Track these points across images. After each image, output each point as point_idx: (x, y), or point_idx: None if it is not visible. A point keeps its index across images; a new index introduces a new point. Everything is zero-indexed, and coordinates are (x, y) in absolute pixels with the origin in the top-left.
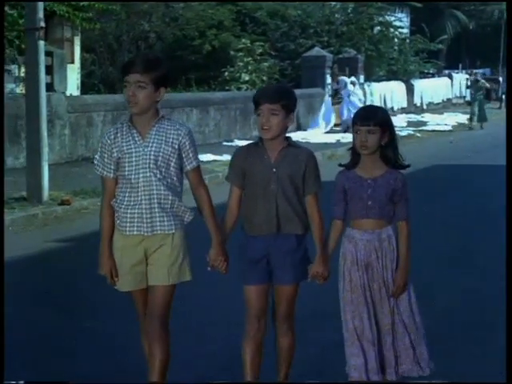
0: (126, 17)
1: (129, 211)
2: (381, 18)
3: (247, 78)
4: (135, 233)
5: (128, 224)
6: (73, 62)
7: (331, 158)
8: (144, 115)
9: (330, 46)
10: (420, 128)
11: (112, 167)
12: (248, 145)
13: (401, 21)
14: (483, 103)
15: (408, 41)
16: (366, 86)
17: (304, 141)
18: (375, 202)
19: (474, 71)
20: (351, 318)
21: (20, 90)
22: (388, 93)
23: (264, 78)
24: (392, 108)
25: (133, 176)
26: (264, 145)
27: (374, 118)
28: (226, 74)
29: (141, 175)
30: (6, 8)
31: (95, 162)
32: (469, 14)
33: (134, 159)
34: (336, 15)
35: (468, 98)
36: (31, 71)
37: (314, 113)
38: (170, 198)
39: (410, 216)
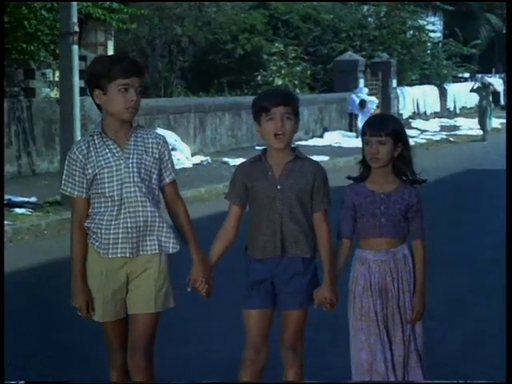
0: (158, 21)
1: (111, 231)
2: (413, 22)
3: (280, 82)
4: (119, 255)
5: (111, 246)
6: None
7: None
8: (125, 123)
9: (362, 50)
10: (453, 132)
11: (84, 185)
12: (250, 160)
13: (433, 25)
14: (488, 110)
15: (441, 45)
16: (398, 91)
17: (337, 145)
18: (389, 219)
19: (479, 75)
20: (359, 350)
21: (54, 94)
22: (421, 97)
23: (296, 82)
24: (425, 112)
25: (115, 192)
26: (267, 159)
27: (386, 127)
28: (259, 78)
29: (124, 191)
30: (44, 12)
31: (62, 181)
32: (503, 18)
33: (114, 173)
34: (369, 19)
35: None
36: (65, 76)
37: (346, 118)
38: (157, 215)
39: (426, 234)
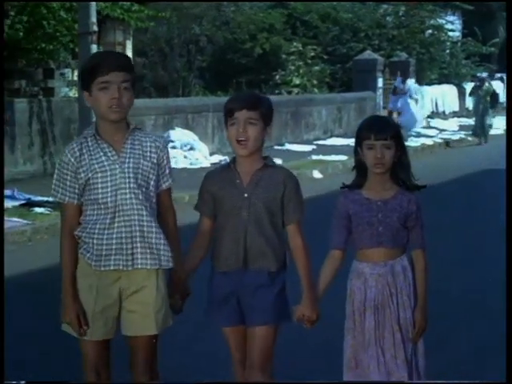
0: (177, 21)
1: (104, 242)
2: (432, 21)
3: (298, 82)
4: (112, 268)
5: (103, 257)
6: None
7: None
8: (119, 124)
9: (381, 50)
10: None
11: (76, 191)
12: (219, 167)
13: (452, 24)
14: (486, 113)
15: (460, 44)
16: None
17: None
18: (387, 228)
19: (478, 75)
20: (348, 369)
21: (73, 93)
22: (439, 96)
23: (314, 81)
24: (443, 112)
25: (109, 199)
26: (236, 167)
27: (391, 130)
28: (277, 77)
29: (119, 197)
30: (62, 12)
31: (53, 186)
32: None
33: (109, 179)
34: (387, 18)
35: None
36: None
37: (365, 117)
38: (154, 225)
39: (426, 244)
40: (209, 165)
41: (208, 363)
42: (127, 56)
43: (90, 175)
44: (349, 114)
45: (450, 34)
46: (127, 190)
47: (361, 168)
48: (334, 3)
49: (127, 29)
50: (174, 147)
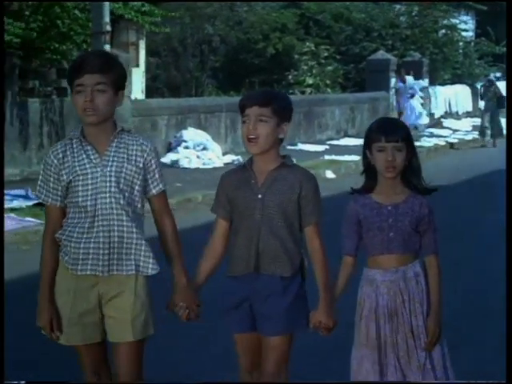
0: (190, 20)
1: (82, 246)
2: (446, 21)
3: (311, 82)
4: (88, 272)
5: (80, 262)
6: (138, 66)
7: None
8: (101, 127)
9: (394, 50)
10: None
11: (59, 193)
12: (236, 167)
13: (466, 24)
14: (496, 113)
15: (473, 44)
16: (430, 90)
17: None
18: (398, 233)
19: (487, 76)
20: (365, 379)
21: None
22: (453, 97)
23: (328, 81)
24: (457, 112)
25: (88, 203)
26: (252, 166)
27: (402, 132)
28: (290, 77)
29: (98, 201)
30: (77, 12)
31: (38, 186)
32: None
33: (89, 182)
34: (401, 18)
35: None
36: None
37: (378, 117)
38: (135, 230)
39: (439, 249)
40: (222, 165)
41: (218, 367)
42: (107, 57)
43: (71, 178)
44: (362, 114)
45: (464, 33)
46: (107, 195)
47: (370, 172)
48: (347, 3)
49: (140, 29)
50: (186, 147)
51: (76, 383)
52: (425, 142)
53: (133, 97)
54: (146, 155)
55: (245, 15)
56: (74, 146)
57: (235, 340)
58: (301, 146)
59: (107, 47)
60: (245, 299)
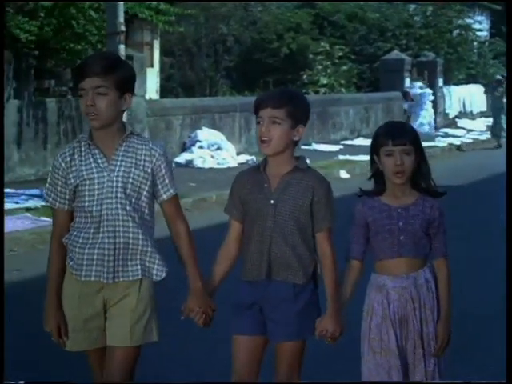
0: (204, 20)
1: (86, 251)
2: (460, 21)
3: (325, 82)
4: (93, 278)
5: (84, 268)
6: (152, 66)
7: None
8: (108, 130)
9: (408, 49)
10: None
11: (67, 197)
12: (250, 168)
13: (480, 23)
14: (499, 114)
15: (487, 44)
16: (444, 90)
17: None
18: (408, 237)
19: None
20: None
21: None
22: (467, 96)
23: (342, 81)
24: (471, 112)
25: (94, 208)
26: (266, 168)
27: (409, 134)
28: (305, 77)
29: (104, 207)
30: (92, 12)
31: (45, 190)
32: None
33: (96, 187)
34: (415, 18)
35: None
36: None
37: (392, 117)
38: (141, 237)
39: (448, 252)
40: (236, 164)
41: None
42: (110, 58)
43: (78, 181)
44: (376, 114)
45: (478, 33)
46: (113, 200)
47: (378, 177)
48: (361, 3)
49: (155, 29)
50: (201, 147)
51: (76, 383)
52: (439, 142)
53: (147, 97)
54: (154, 160)
55: (259, 15)
56: (82, 149)
57: (236, 342)
58: (315, 146)
59: (122, 47)
60: (255, 303)
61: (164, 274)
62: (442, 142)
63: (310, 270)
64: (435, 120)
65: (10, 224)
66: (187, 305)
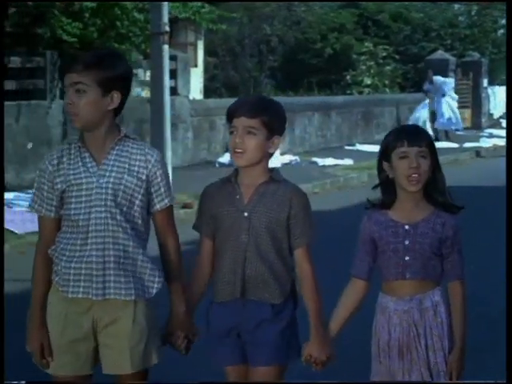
0: (248, 20)
1: (73, 265)
2: (505, 21)
3: (369, 82)
4: (80, 295)
5: (71, 283)
6: (196, 66)
7: (454, 163)
8: (95, 132)
9: (453, 50)
10: None
11: (54, 203)
12: (219, 180)
13: None
14: None
15: None
16: (489, 90)
17: None
18: (415, 257)
19: None
20: None
21: (145, 93)
22: None
23: (386, 81)
24: None
25: (81, 216)
26: (237, 180)
27: (425, 137)
28: (348, 77)
29: (92, 216)
30: (135, 13)
31: (32, 195)
32: None
33: (83, 193)
34: (459, 18)
35: None
36: (156, 75)
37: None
38: (132, 249)
39: (465, 274)
40: (279, 165)
41: None
42: (98, 54)
43: (64, 187)
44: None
45: None
46: (103, 209)
47: (388, 187)
48: (406, 3)
49: (198, 29)
50: None
51: (76, 383)
52: (483, 143)
53: (191, 97)
54: (150, 166)
55: (303, 15)
56: (72, 152)
57: (226, 373)
58: (358, 147)
59: (166, 47)
60: (232, 329)
61: (159, 286)
62: (487, 143)
63: (287, 289)
64: (480, 121)
65: None
66: (167, 329)
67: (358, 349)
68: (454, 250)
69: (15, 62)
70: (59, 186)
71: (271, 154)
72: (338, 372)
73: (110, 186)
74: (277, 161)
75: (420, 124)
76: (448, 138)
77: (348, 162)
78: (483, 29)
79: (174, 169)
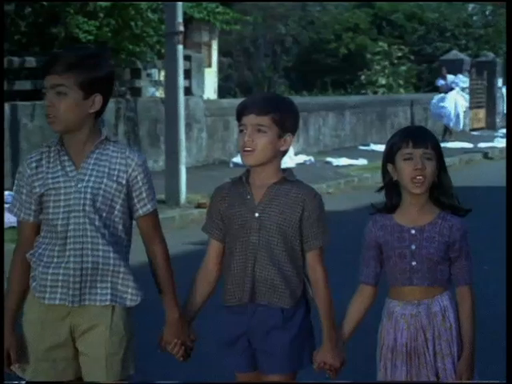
0: (262, 20)
1: (50, 271)
2: None
3: (384, 82)
4: (57, 302)
5: (48, 289)
6: (210, 66)
7: (469, 162)
8: (75, 135)
9: (467, 49)
10: None
11: (32, 207)
12: (230, 181)
13: None
14: None
15: None
16: (504, 90)
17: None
18: (422, 263)
19: None
20: None
21: (159, 93)
22: None
23: (401, 81)
24: None
25: (59, 222)
26: (249, 179)
27: (431, 138)
28: (363, 77)
29: (71, 221)
30: (149, 13)
31: (11, 199)
32: None
33: (62, 197)
34: (474, 18)
35: None
36: (170, 75)
37: None
38: (112, 255)
39: (474, 279)
40: (293, 165)
41: None
42: (75, 55)
43: (43, 191)
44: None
45: None
46: (81, 214)
47: (392, 190)
48: (421, 3)
49: (213, 29)
50: None
51: (77, 383)
52: (498, 143)
53: (205, 97)
54: (130, 170)
55: (317, 15)
56: (51, 154)
57: (236, 378)
58: (373, 147)
59: (180, 47)
60: (242, 334)
61: (139, 299)
62: (501, 143)
63: (297, 293)
64: (494, 121)
65: None
66: (163, 337)
67: (359, 354)
68: (461, 253)
69: (30, 61)
70: (38, 189)
71: (284, 153)
72: (338, 373)
73: (89, 190)
74: (291, 161)
75: (452, 117)
76: (449, 136)
77: (362, 162)
78: (498, 29)
79: (188, 169)
